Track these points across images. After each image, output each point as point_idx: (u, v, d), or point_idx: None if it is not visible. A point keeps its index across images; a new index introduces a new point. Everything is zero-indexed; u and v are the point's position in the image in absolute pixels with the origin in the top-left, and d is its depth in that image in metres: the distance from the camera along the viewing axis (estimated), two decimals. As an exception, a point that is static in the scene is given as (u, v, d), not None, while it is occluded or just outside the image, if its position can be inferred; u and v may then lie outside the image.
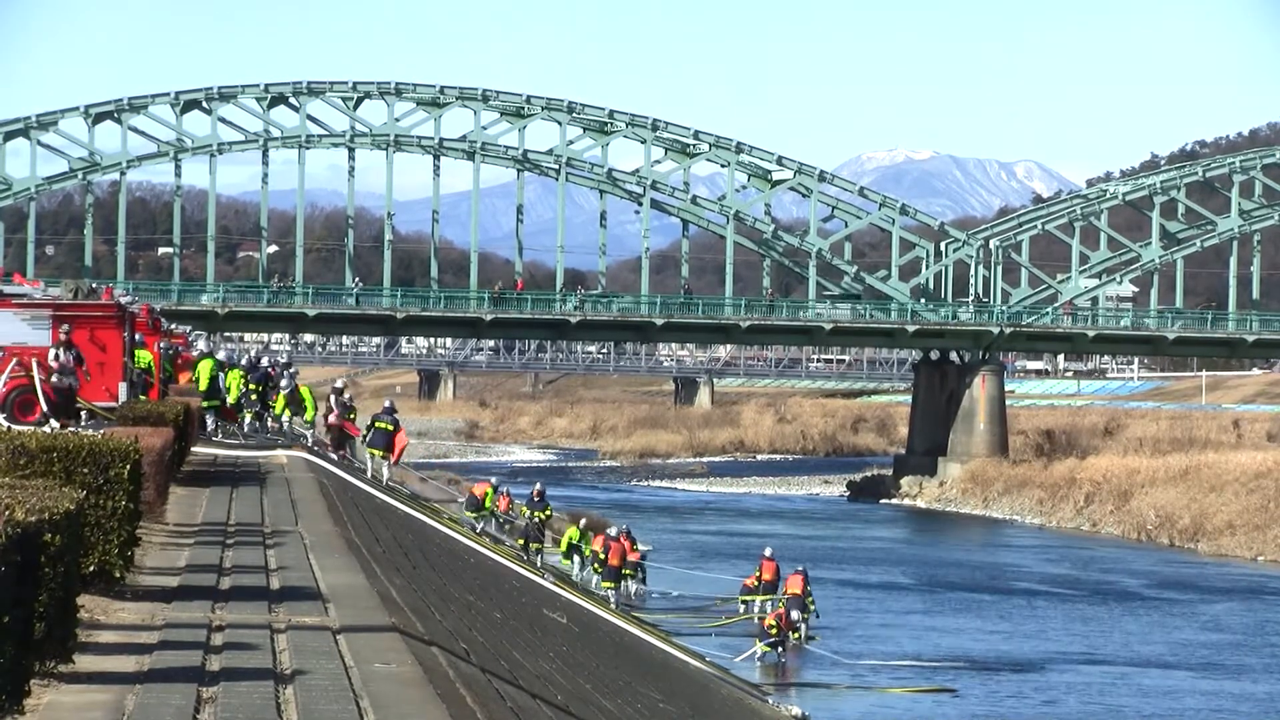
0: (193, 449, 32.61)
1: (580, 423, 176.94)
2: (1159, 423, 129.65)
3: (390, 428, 41.74)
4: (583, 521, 56.73)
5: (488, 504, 49.57)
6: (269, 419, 43.81)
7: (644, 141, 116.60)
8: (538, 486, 52.68)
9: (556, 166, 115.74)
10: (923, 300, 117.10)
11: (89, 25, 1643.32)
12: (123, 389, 34.85)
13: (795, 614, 46.67)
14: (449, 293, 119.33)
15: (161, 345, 39.81)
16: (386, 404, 43.50)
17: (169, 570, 18.19)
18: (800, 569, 49.43)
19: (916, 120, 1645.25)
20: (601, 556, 51.06)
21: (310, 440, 44.00)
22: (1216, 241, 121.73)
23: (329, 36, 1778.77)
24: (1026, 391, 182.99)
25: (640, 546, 58.27)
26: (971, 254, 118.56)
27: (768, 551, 54.40)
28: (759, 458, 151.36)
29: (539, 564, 47.72)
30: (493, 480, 51.78)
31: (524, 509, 51.64)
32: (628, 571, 54.18)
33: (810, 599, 48.81)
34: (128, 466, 16.08)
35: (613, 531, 52.64)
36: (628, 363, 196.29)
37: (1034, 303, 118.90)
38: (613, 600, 47.92)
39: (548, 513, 51.65)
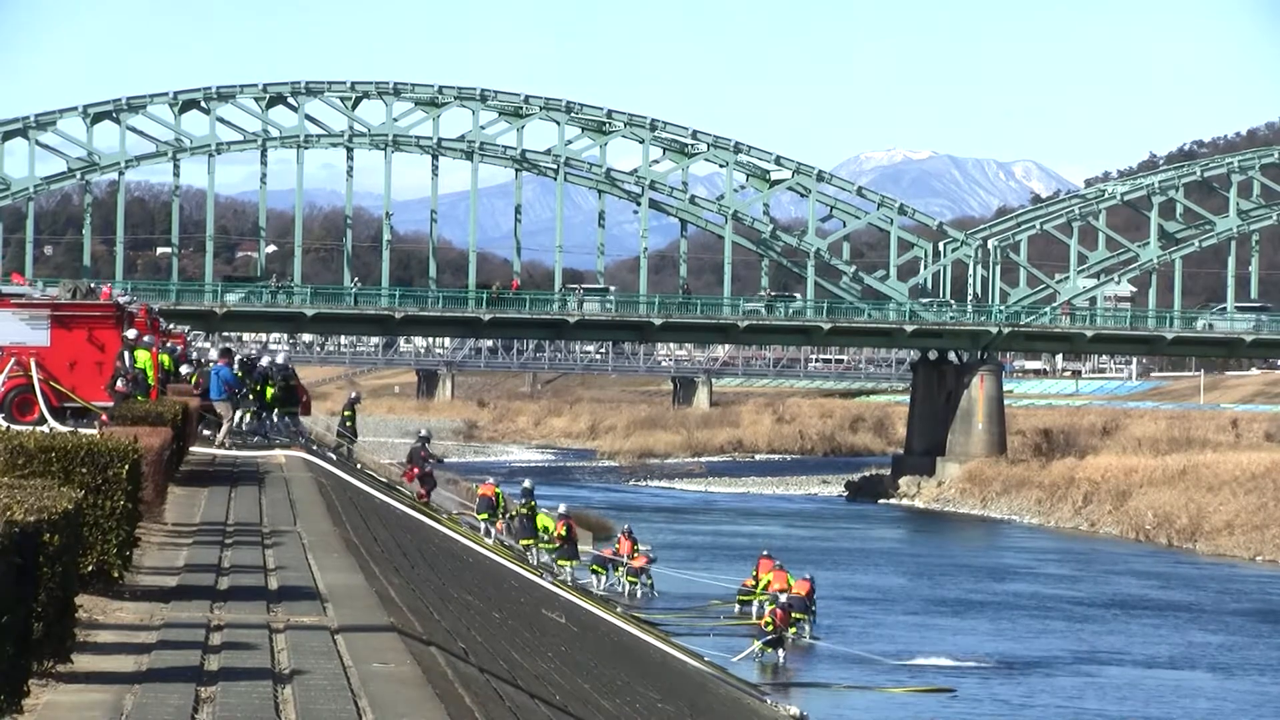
0: (191, 449, 32.62)
1: (578, 423, 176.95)
2: (1157, 422, 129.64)
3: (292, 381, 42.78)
4: (560, 510, 56.19)
5: (500, 505, 49.46)
6: (267, 418, 43.84)
7: (642, 141, 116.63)
8: (526, 483, 52.60)
9: (555, 166, 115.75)
10: (921, 300, 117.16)
11: (88, 25, 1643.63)
12: (121, 388, 34.84)
13: (783, 598, 46.69)
14: (447, 292, 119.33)
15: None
16: (280, 360, 43.95)
17: (167, 570, 18.19)
18: (808, 576, 49.47)
19: (915, 120, 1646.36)
20: (563, 533, 50.73)
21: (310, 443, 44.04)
22: (1215, 241, 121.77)
23: (327, 36, 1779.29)
24: (1025, 391, 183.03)
25: (641, 548, 58.23)
26: (970, 254, 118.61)
27: (765, 551, 54.49)
28: (757, 458, 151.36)
29: (536, 562, 47.67)
30: (490, 479, 51.60)
31: (518, 507, 51.59)
32: (632, 579, 54.24)
33: (813, 604, 48.76)
34: (126, 466, 16.07)
35: (562, 509, 52.19)
36: (626, 363, 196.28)
37: (1032, 303, 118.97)
38: (567, 578, 47.59)
39: (531, 505, 51.35)
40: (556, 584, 41.54)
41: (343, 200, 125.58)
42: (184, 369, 38.60)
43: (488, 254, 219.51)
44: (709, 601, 54.57)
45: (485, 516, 49.02)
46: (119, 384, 32.72)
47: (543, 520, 52.45)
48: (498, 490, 49.70)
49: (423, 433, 50.27)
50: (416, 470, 48.13)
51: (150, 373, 35.65)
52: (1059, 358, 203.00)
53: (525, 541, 50.00)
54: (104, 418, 32.10)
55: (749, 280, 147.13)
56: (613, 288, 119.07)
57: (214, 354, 44.90)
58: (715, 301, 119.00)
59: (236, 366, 40.22)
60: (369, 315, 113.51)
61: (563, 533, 51.27)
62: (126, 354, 33.21)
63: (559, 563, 50.15)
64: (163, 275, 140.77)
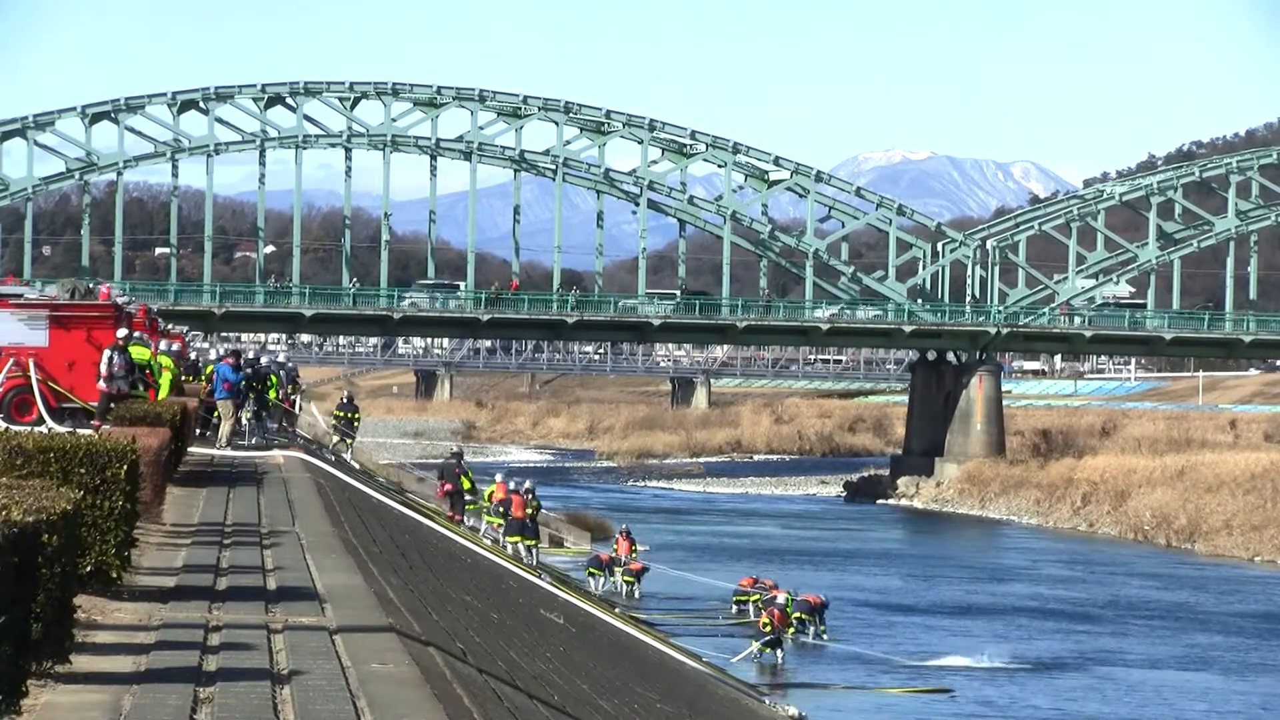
0: (189, 449, 32.60)
1: (577, 423, 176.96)
2: (1156, 423, 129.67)
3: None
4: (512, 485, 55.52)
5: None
6: (266, 418, 43.85)
7: (641, 142, 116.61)
8: (527, 484, 52.41)
9: (553, 167, 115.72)
10: (919, 300, 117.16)
11: (86, 25, 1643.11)
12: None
13: (780, 599, 46.65)
14: (445, 293, 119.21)
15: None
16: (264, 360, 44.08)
17: (166, 570, 18.18)
18: (824, 597, 49.35)
19: (914, 120, 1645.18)
20: (502, 510, 50.17)
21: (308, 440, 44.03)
22: (1213, 242, 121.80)
23: (326, 37, 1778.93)
24: (1023, 392, 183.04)
25: (640, 548, 58.17)
26: (968, 254, 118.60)
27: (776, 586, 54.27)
28: (756, 458, 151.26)
29: (535, 562, 47.59)
30: (499, 478, 51.27)
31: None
32: (629, 579, 54.11)
33: (822, 619, 48.51)
34: (125, 467, 16.07)
35: (513, 485, 51.70)
36: (625, 363, 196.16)
37: (1031, 303, 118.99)
38: (512, 551, 47.19)
39: (536, 505, 51.09)
40: (553, 581, 41.54)
41: (341, 200, 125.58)
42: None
43: (486, 254, 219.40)
44: (708, 602, 54.56)
45: (496, 521, 48.74)
46: (100, 384, 32.74)
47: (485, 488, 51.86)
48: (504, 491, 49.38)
49: (455, 449, 50.08)
50: (449, 486, 48.04)
51: (159, 374, 35.65)
52: (1058, 358, 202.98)
53: (529, 542, 49.67)
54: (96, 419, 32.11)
55: (748, 281, 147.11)
56: (459, 284, 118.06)
57: (212, 354, 44.94)
58: (714, 301, 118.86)
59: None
60: (367, 316, 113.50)
61: (502, 507, 50.80)
62: (115, 354, 33.14)
63: (506, 538, 49.47)
64: (161, 275, 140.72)
